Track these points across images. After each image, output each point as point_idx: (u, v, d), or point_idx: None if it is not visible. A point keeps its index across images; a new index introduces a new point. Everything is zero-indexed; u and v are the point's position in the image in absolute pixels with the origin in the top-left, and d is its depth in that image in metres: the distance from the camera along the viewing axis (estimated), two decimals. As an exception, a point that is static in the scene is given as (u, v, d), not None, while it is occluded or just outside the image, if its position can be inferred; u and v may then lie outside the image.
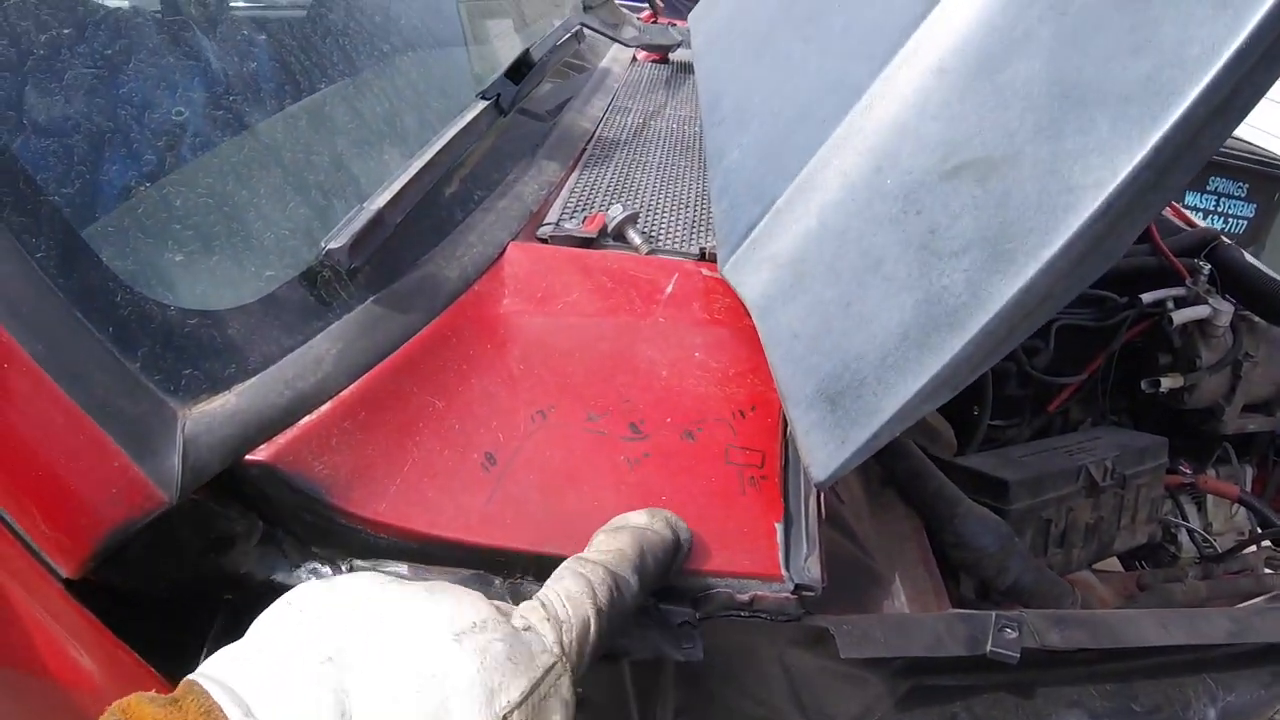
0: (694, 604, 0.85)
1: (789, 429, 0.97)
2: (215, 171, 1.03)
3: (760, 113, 1.26)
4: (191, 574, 0.84)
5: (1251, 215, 4.88)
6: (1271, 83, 0.80)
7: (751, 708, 0.95)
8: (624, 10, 2.47)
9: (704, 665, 0.85)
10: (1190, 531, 2.03)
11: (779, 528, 0.89)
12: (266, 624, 0.67)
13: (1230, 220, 4.87)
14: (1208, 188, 4.76)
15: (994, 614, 0.96)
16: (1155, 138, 0.73)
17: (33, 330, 0.75)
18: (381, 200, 1.02)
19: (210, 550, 0.84)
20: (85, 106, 0.95)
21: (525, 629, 0.67)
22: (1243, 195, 4.82)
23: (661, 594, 0.85)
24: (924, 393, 0.81)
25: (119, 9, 1.11)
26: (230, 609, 0.87)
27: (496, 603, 0.69)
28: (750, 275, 1.03)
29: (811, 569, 0.87)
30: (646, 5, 2.86)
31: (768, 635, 0.92)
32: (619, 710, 0.90)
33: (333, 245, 0.95)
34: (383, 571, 0.83)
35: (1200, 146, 0.79)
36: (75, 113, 0.93)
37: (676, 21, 2.85)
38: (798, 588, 0.86)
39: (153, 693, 0.60)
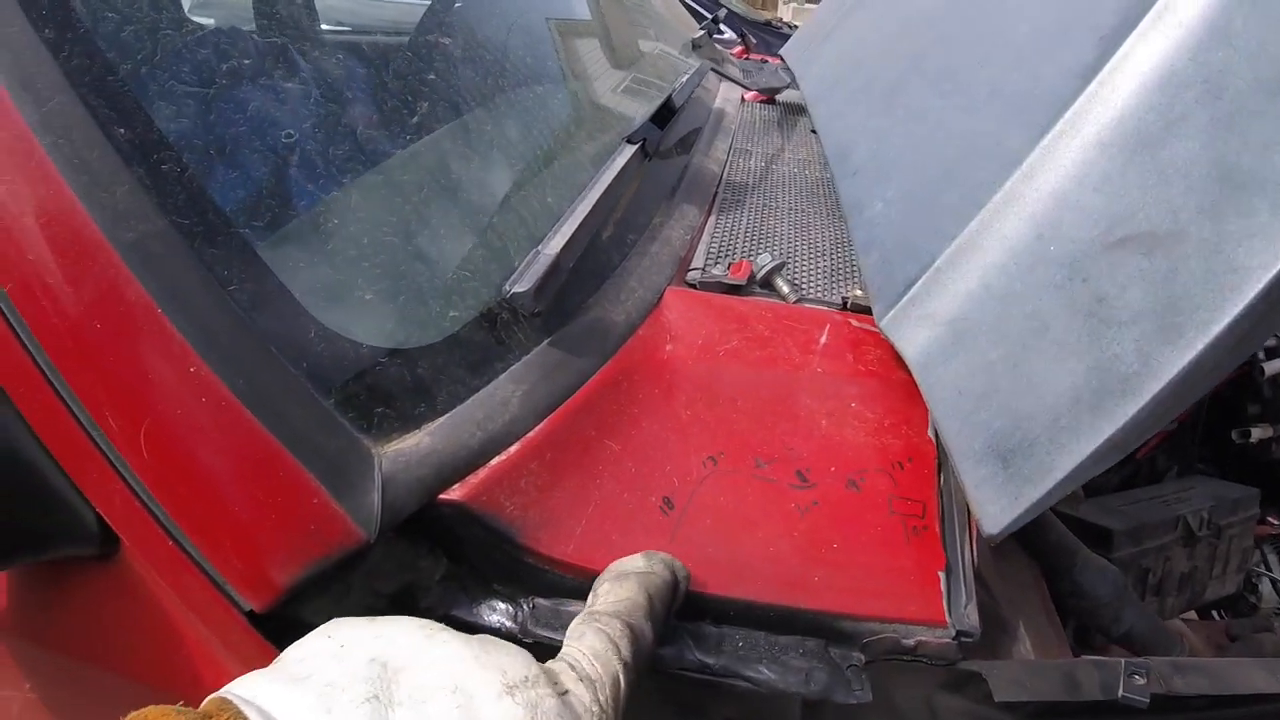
0: (862, 649, 0.88)
1: (946, 481, 1.01)
2: (397, 207, 1.06)
3: (901, 167, 1.30)
4: (374, 609, 0.85)
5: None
6: None
7: None
8: (721, 48, 2.52)
9: (861, 706, 0.88)
10: (1274, 581, 2.03)
11: (942, 576, 0.91)
12: (303, 655, 0.67)
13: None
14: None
15: (1124, 660, 0.99)
16: (1313, 224, 0.77)
17: (232, 365, 0.77)
18: (557, 245, 1.05)
19: (398, 587, 0.86)
20: (269, 138, 0.98)
21: (565, 692, 0.67)
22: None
23: (831, 636, 0.88)
24: (1097, 454, 0.85)
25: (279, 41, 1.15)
26: None
27: (524, 651, 0.71)
28: (910, 331, 1.07)
29: (971, 616, 0.89)
30: (737, 41, 2.91)
31: (920, 677, 0.94)
32: None
33: (518, 289, 0.99)
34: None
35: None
36: (260, 144, 0.97)
37: (767, 58, 2.89)
38: (959, 634, 0.88)
39: (179, 705, 0.59)
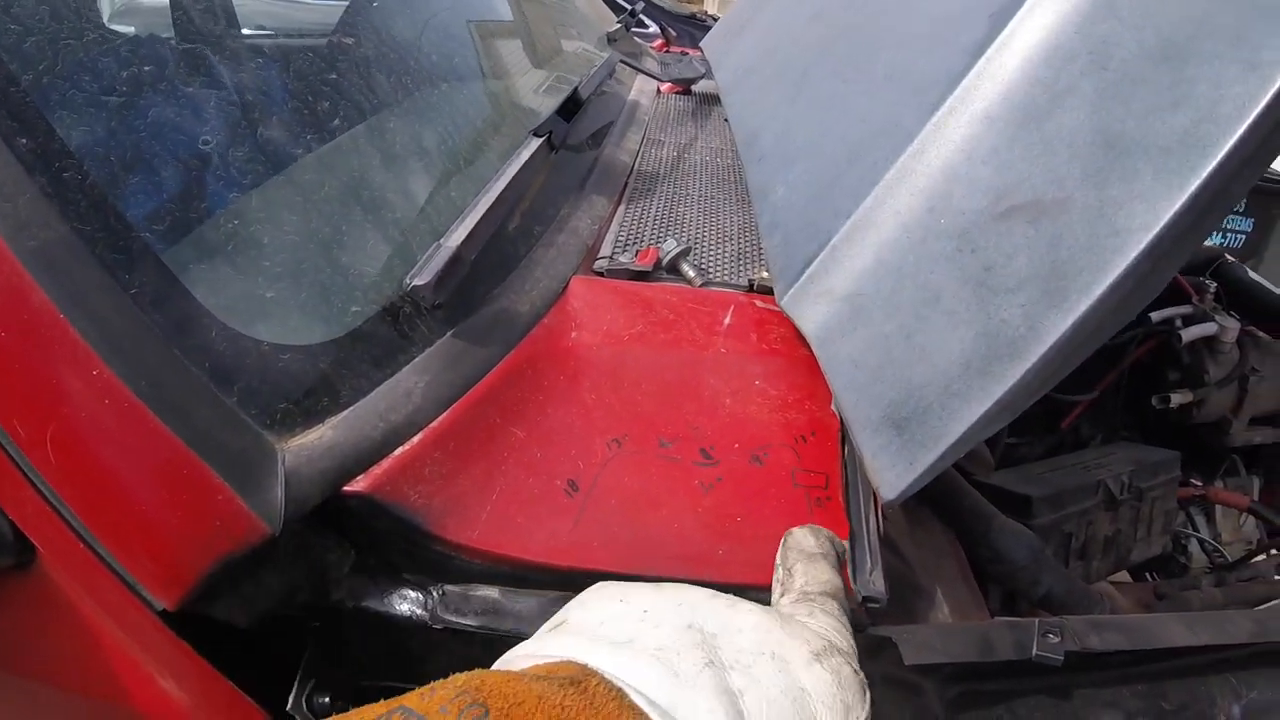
0: None
1: (849, 452, 1.03)
2: (299, 207, 1.07)
3: (804, 151, 1.32)
4: (284, 604, 0.86)
5: (1249, 230, 4.93)
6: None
7: None
8: (640, 41, 2.53)
9: None
10: (1200, 541, 2.08)
11: (846, 545, 0.93)
12: (601, 618, 0.69)
13: (1229, 235, 4.91)
14: (1202, 203, 4.81)
15: (1037, 620, 1.01)
16: (1194, 186, 0.79)
17: (134, 367, 0.77)
18: (458, 237, 1.06)
19: (305, 580, 0.87)
20: (170, 143, 0.99)
21: (840, 652, 0.69)
22: (1240, 210, 4.87)
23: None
24: (987, 417, 0.87)
25: (186, 44, 1.15)
26: (318, 637, 0.91)
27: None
28: (809, 308, 1.09)
29: (876, 582, 0.91)
30: (658, 34, 2.92)
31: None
32: None
33: (418, 282, 1.00)
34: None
35: (1231, 193, 0.86)
36: (161, 149, 0.97)
37: (687, 50, 2.91)
38: (865, 600, 0.90)
39: (529, 668, 0.60)
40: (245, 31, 1.64)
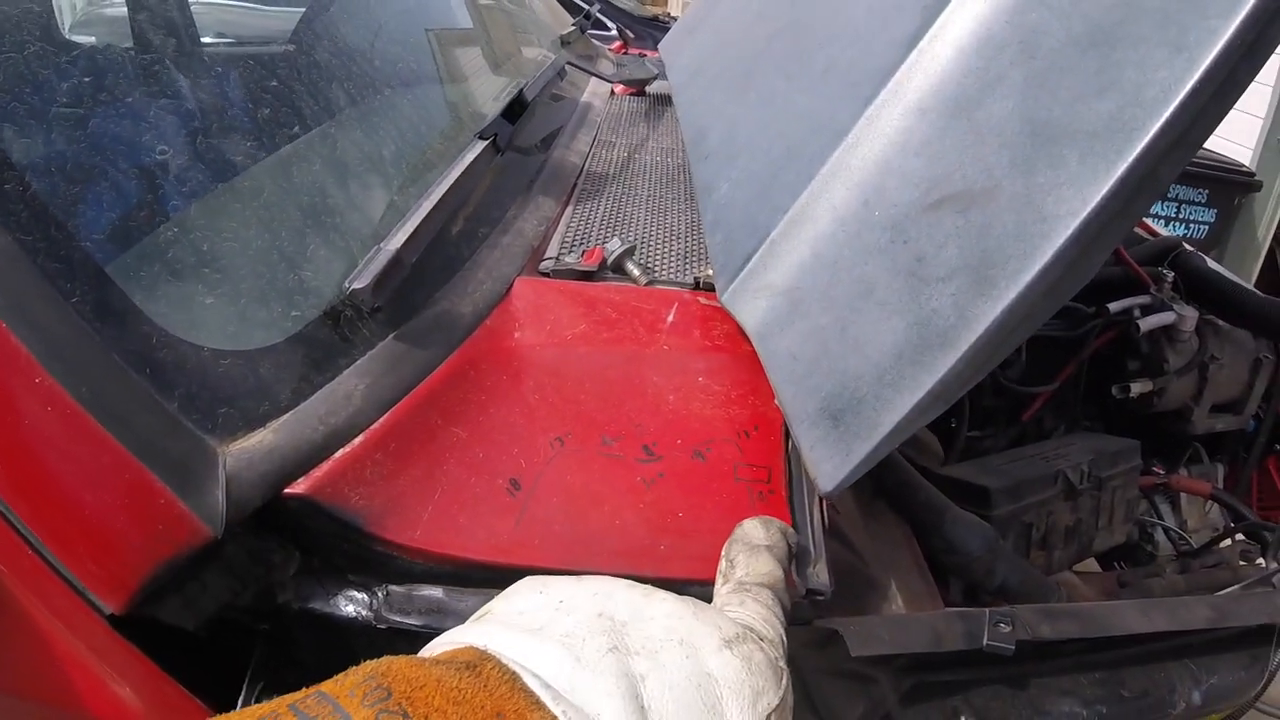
0: None
1: (791, 445, 1.03)
2: (237, 215, 1.07)
3: (747, 149, 1.33)
4: (231, 606, 0.86)
5: (1212, 221, 4.98)
6: (1221, 119, 0.88)
7: None
8: (596, 43, 2.54)
9: None
10: (1166, 530, 2.09)
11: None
12: (520, 608, 0.71)
13: (1191, 226, 4.96)
14: (1169, 195, 4.86)
15: (988, 610, 1.02)
16: (1120, 170, 0.80)
17: (74, 374, 0.78)
18: (398, 241, 1.07)
19: (250, 582, 0.87)
20: (109, 153, 0.99)
21: (760, 640, 0.71)
22: (1203, 201, 4.92)
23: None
24: (920, 407, 0.88)
25: (130, 53, 1.15)
26: (267, 639, 0.91)
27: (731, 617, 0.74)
28: (748, 303, 1.09)
29: (820, 575, 0.92)
30: (616, 36, 2.92)
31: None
32: None
33: (356, 285, 1.01)
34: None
35: (1160, 177, 0.87)
36: (101, 160, 0.97)
37: (646, 52, 2.92)
38: (809, 592, 0.91)
39: (436, 654, 0.62)
40: (206, 40, 1.63)
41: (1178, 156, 0.89)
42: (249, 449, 0.88)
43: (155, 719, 0.82)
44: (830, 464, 0.92)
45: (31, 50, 0.96)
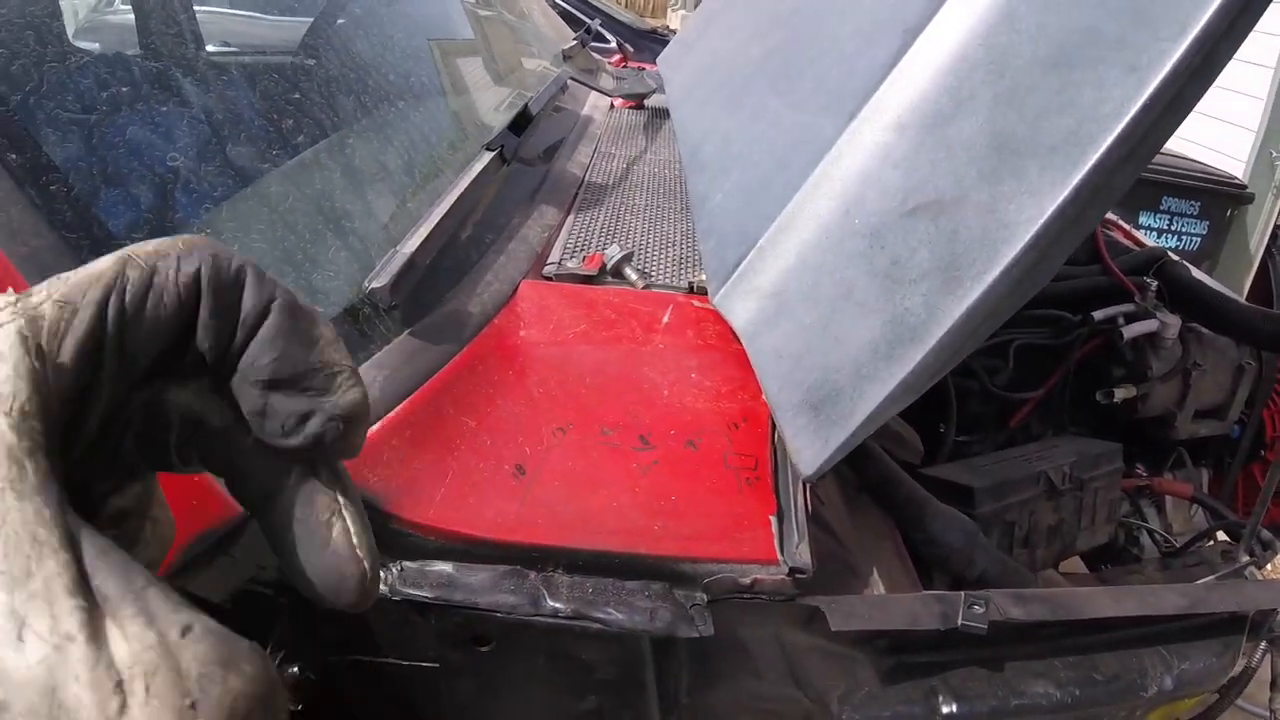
0: (704, 589, 0.96)
1: (777, 436, 1.10)
2: (265, 217, 1.14)
3: (739, 160, 1.40)
4: (257, 580, 0.93)
5: (1204, 233, 5.02)
6: (1171, 133, 0.96)
7: (753, 683, 1.05)
8: (597, 57, 2.61)
9: (712, 645, 0.95)
10: (1151, 532, 2.12)
11: (773, 520, 1.00)
12: None
13: (1184, 238, 5.00)
14: (1161, 207, 4.89)
15: (964, 593, 1.08)
16: (1075, 180, 0.88)
17: None
18: (413, 244, 1.14)
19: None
20: (147, 158, 1.06)
21: None
22: (1195, 213, 4.96)
23: (675, 580, 0.96)
24: (892, 397, 0.95)
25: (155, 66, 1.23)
26: (288, 611, 0.97)
27: None
28: (738, 305, 1.17)
29: (803, 554, 0.98)
30: (615, 49, 2.99)
31: (766, 616, 1.03)
32: (638, 685, 1.00)
33: (375, 285, 1.08)
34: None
35: (1113, 186, 0.95)
36: (138, 165, 1.04)
37: (645, 65, 2.98)
38: (792, 570, 0.97)
39: None
40: (210, 49, 1.70)
41: (1130, 168, 0.96)
42: (276, 433, 0.95)
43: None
44: (810, 450, 1.00)
45: (49, 59, 1.04)
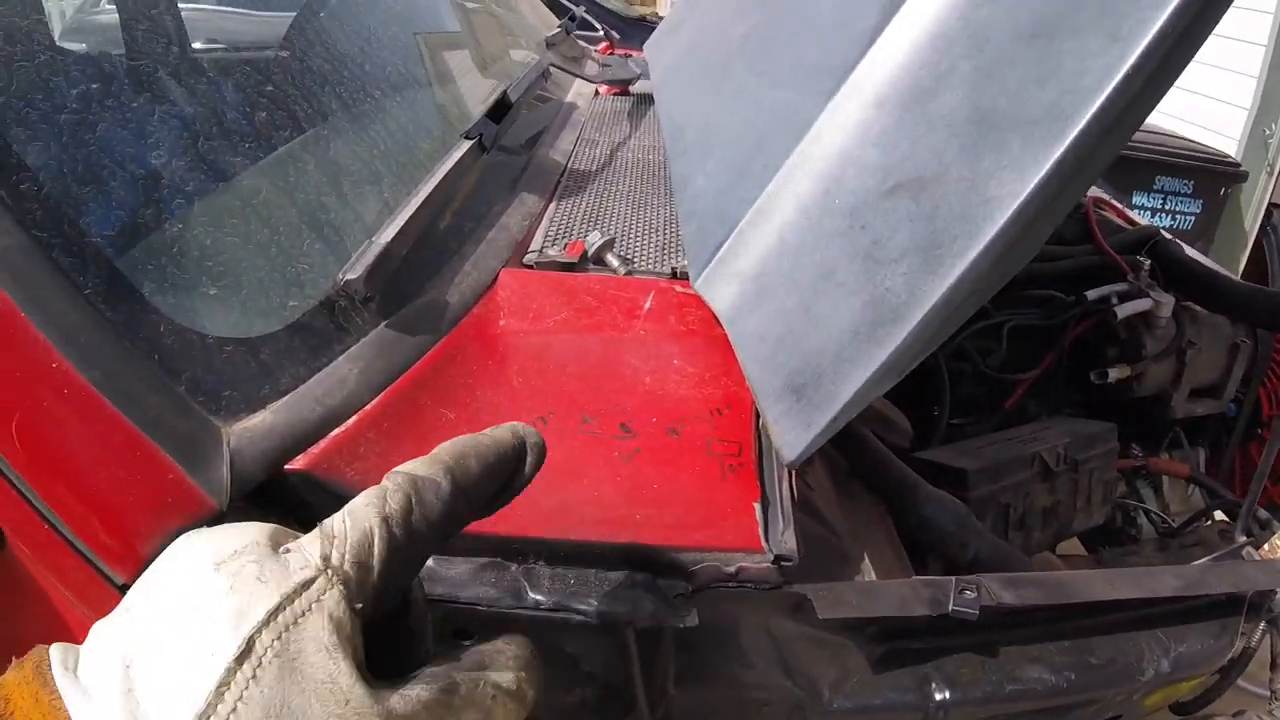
0: (688, 578, 0.94)
1: (760, 421, 1.09)
2: (239, 211, 1.13)
3: (720, 142, 1.38)
4: None
5: (1198, 211, 5.01)
6: (1154, 106, 0.94)
7: (742, 672, 1.04)
8: (582, 44, 2.59)
9: (700, 635, 0.93)
10: (1148, 513, 2.11)
11: (757, 507, 0.98)
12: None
13: (1178, 217, 4.99)
14: (1155, 186, 4.88)
15: (954, 579, 1.07)
16: (1057, 153, 0.86)
17: (89, 359, 0.83)
18: (388, 235, 1.13)
19: None
20: (119, 156, 1.04)
21: (286, 551, 0.63)
22: (1189, 192, 4.95)
23: (658, 570, 0.95)
24: (874, 379, 0.94)
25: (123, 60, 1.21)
26: None
27: (278, 526, 0.67)
28: (720, 289, 1.15)
29: (788, 541, 0.96)
30: (602, 36, 2.97)
31: (754, 605, 1.02)
32: (624, 677, 0.98)
33: (350, 276, 1.07)
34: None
35: (1096, 160, 0.92)
36: (110, 162, 1.02)
37: (632, 51, 2.96)
38: (777, 558, 0.95)
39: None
40: (196, 45, 1.69)
41: (1113, 141, 0.94)
42: (251, 428, 0.93)
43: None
44: (793, 435, 0.98)
45: (40, 59, 1.02)
